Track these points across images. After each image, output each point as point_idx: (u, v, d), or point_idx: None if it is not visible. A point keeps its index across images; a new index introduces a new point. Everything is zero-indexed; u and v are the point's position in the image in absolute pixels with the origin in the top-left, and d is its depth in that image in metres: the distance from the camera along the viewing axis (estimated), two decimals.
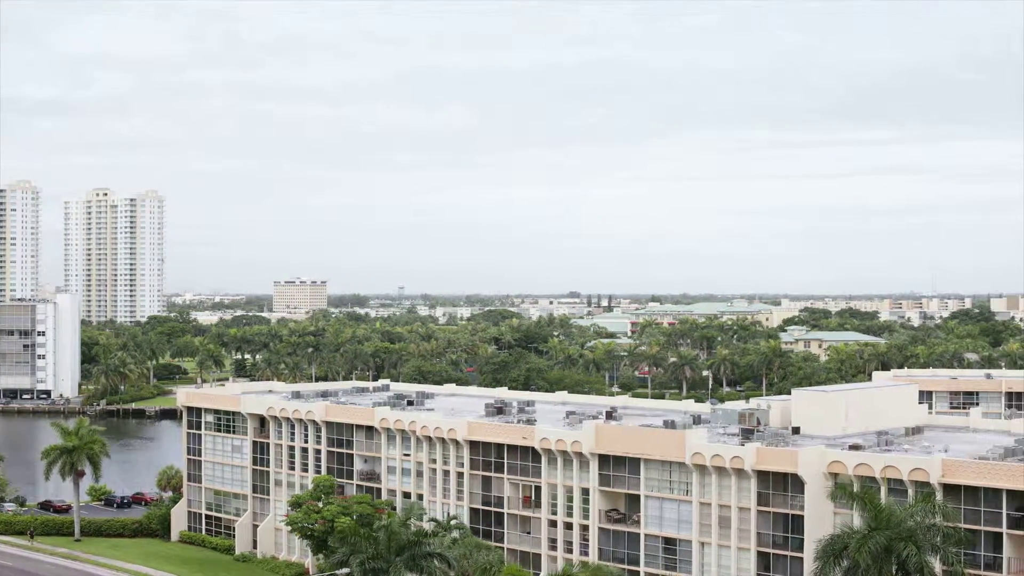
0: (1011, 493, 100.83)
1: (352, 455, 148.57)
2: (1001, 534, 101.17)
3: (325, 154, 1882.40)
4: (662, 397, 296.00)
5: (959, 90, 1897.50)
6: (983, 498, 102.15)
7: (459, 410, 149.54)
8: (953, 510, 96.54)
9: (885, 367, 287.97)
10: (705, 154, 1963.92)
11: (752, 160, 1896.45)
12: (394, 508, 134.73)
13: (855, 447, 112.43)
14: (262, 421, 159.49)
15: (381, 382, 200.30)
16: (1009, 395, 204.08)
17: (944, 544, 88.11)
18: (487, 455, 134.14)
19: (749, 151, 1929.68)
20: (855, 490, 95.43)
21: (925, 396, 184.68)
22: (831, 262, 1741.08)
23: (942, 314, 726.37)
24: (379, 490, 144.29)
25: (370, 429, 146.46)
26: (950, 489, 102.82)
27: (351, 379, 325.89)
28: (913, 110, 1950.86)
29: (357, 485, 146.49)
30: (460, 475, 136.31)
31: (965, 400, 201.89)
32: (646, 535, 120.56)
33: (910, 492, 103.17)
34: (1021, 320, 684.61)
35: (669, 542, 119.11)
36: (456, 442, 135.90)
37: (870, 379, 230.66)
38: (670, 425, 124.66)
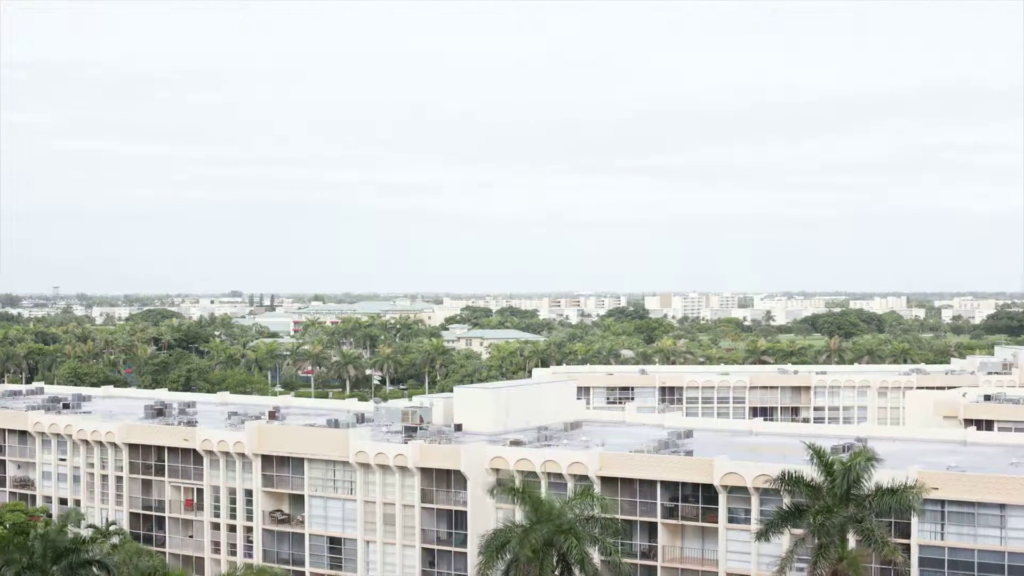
0: (665, 484, 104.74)
1: (4, 461, 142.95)
2: (656, 524, 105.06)
3: None
4: (326, 396, 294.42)
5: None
6: (639, 489, 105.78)
7: (118, 412, 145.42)
8: (611, 502, 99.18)
9: (545, 364, 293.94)
10: None
11: None
12: (50, 515, 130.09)
13: (516, 443, 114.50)
14: None
15: (35, 385, 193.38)
16: (663, 390, 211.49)
17: (603, 535, 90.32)
18: (147, 458, 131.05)
19: None
20: (516, 485, 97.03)
21: (583, 392, 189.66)
22: (493, 261, 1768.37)
23: (599, 312, 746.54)
24: (34, 497, 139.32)
25: (23, 434, 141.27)
26: (608, 482, 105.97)
27: (2, 382, 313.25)
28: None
29: (10, 492, 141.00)
30: (119, 479, 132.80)
31: (621, 395, 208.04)
32: (311, 535, 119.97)
33: (570, 485, 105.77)
34: (673, 317, 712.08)
35: (334, 541, 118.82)
36: (115, 445, 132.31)
37: (530, 376, 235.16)
38: (333, 424, 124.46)
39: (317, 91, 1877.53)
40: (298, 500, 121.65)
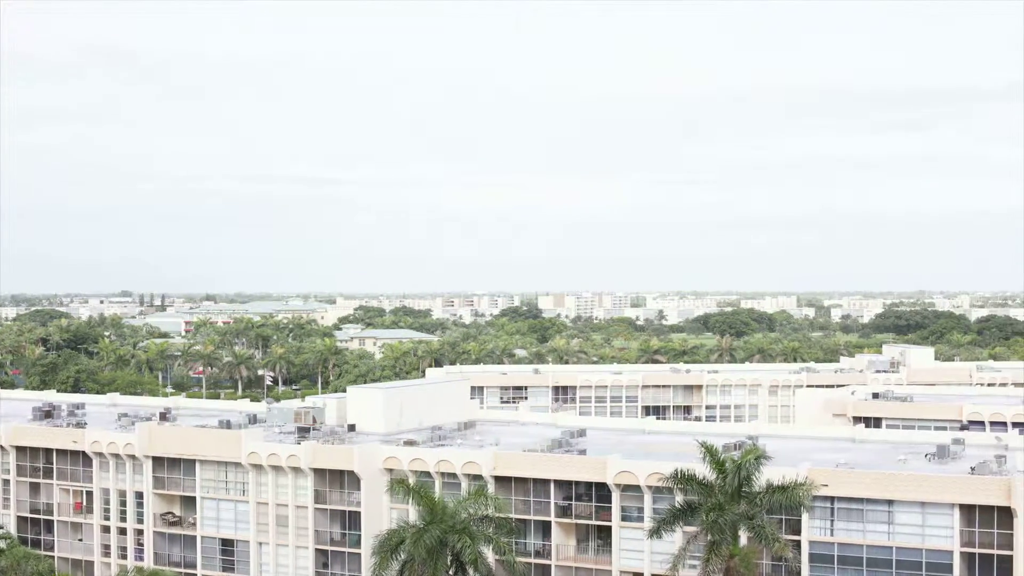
0: (558, 483, 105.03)
1: None
2: (550, 522, 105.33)
3: None
4: (217, 397, 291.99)
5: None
6: (533, 489, 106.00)
7: (4, 414, 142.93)
8: (505, 501, 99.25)
9: (438, 364, 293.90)
10: None
11: None
12: None
13: (410, 443, 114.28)
14: None
15: None
16: (556, 389, 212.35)
17: (496, 534, 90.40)
18: (35, 460, 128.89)
19: None
20: (410, 485, 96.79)
21: (477, 391, 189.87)
22: (385, 261, 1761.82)
23: (492, 311, 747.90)
24: None
25: None
26: (502, 481, 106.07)
27: None
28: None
29: None
30: (6, 482, 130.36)
31: (515, 394, 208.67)
32: (203, 537, 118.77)
33: (463, 485, 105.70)
34: (567, 317, 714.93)
35: (227, 543, 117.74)
36: (1, 448, 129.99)
37: (424, 376, 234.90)
38: (225, 425, 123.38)
39: (211, 89, 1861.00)
40: (190, 502, 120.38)
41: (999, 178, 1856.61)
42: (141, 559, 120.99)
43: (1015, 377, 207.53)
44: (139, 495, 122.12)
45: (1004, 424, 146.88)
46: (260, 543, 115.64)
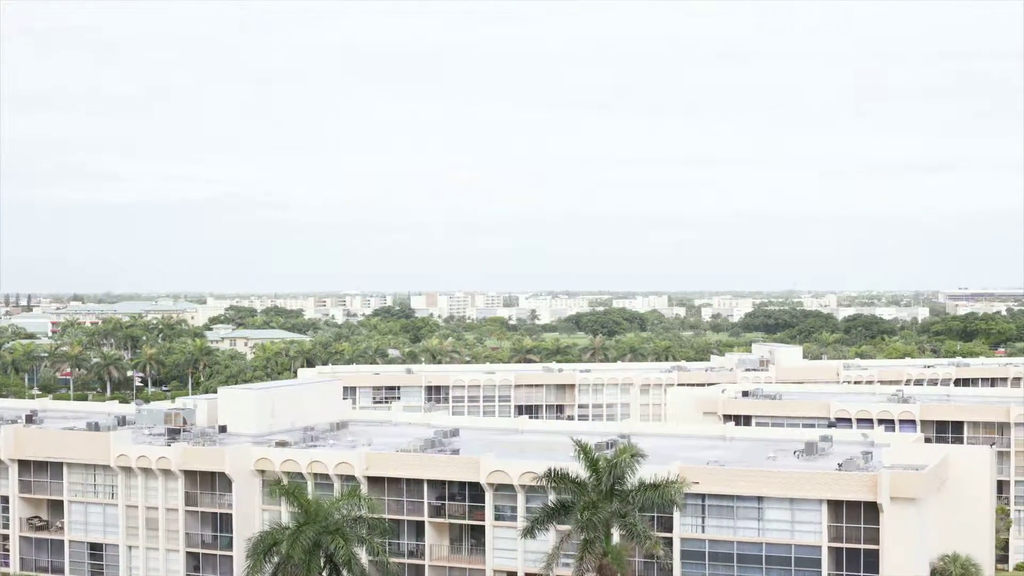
0: (432, 483, 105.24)
1: None
2: (423, 522, 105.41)
3: None
4: (86, 399, 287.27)
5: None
6: (406, 489, 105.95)
7: None
8: (378, 501, 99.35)
9: (311, 364, 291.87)
10: None
11: None
12: None
13: (282, 444, 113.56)
14: None
15: None
16: (429, 388, 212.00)
17: (370, 535, 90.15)
18: None
19: None
20: (283, 486, 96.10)
21: (349, 391, 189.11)
22: (253, 260, 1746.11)
23: (365, 311, 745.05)
24: None
25: None
26: (375, 481, 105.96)
27: None
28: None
29: None
30: None
31: (388, 395, 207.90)
32: (71, 541, 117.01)
33: (336, 486, 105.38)
34: (439, 317, 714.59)
35: (95, 547, 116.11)
36: None
37: (296, 376, 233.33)
38: (94, 427, 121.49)
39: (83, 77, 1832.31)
40: (57, 506, 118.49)
41: (866, 177, 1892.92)
42: (7, 565, 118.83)
43: (881, 375, 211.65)
44: (4, 499, 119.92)
45: (870, 421, 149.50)
46: (130, 547, 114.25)
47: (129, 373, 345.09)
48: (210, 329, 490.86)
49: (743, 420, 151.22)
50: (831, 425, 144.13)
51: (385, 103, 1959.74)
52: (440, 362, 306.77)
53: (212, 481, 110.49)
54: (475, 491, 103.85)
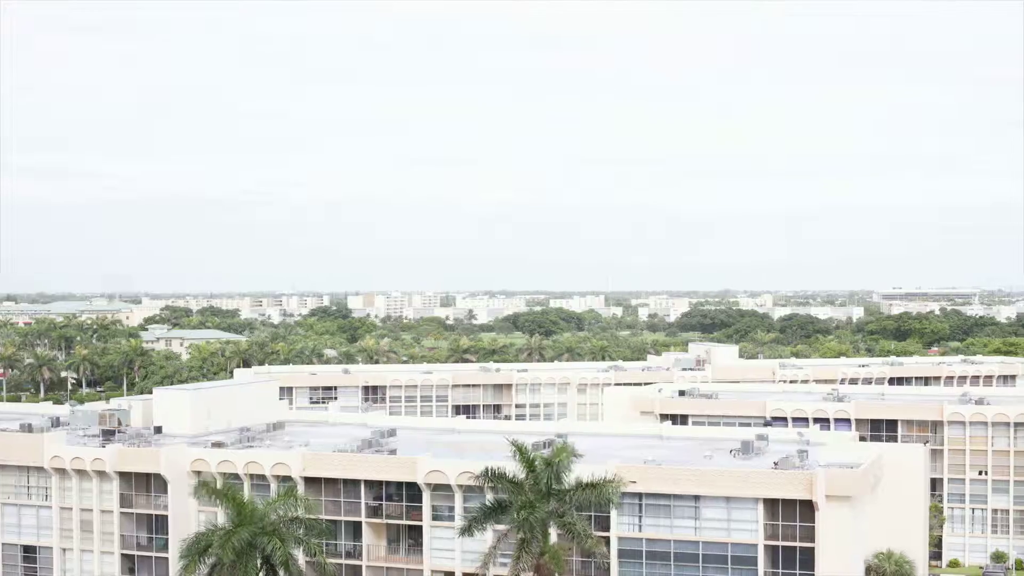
0: (369, 483, 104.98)
1: None
2: (361, 523, 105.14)
3: None
4: (18, 400, 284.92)
5: None
6: (343, 489, 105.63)
7: None
8: (315, 502, 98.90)
9: (247, 364, 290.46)
10: None
11: None
12: None
13: (218, 444, 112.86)
14: None
15: None
16: (366, 389, 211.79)
17: (307, 536, 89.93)
18: None
19: None
20: (219, 487, 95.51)
21: (286, 392, 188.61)
22: (189, 260, 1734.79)
23: (302, 311, 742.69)
24: None
25: None
26: (312, 482, 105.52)
27: None
28: None
29: None
30: None
31: (324, 395, 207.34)
32: (3, 544, 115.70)
33: (273, 487, 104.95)
34: (376, 316, 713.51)
35: (29, 550, 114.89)
36: None
37: (232, 376, 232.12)
38: (26, 429, 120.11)
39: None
40: None
41: (800, 178, 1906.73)
42: None
43: (816, 374, 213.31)
44: None
45: (806, 420, 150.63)
46: (64, 549, 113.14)
47: (63, 374, 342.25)
48: (145, 329, 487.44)
49: (680, 419, 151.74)
50: (767, 424, 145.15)
51: (318, 99, 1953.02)
52: (377, 362, 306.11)
53: (147, 483, 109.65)
54: (412, 491, 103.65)
